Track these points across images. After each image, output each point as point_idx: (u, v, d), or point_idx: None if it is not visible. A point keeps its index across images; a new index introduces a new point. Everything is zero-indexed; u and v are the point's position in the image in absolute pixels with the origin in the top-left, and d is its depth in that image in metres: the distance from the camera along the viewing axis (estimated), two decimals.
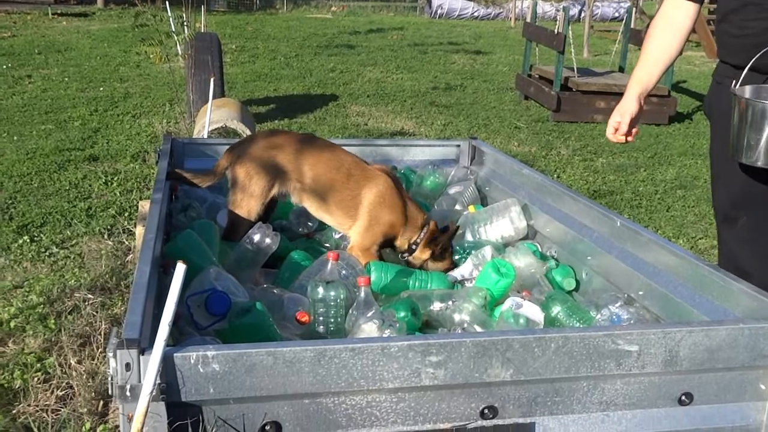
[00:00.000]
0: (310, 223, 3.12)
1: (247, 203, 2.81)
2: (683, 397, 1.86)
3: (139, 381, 1.51)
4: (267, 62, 11.42)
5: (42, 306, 3.32)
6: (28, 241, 4.16)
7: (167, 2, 9.84)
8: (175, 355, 1.55)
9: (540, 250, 2.99)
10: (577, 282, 2.80)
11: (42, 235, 4.27)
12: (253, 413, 1.64)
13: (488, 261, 2.71)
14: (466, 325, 2.33)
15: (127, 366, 1.51)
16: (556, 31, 8.62)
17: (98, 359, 2.84)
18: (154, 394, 1.50)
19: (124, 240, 4.18)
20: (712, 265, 2.22)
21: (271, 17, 18.54)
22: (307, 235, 3.13)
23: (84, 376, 2.70)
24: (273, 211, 2.97)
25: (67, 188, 5.16)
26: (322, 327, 2.27)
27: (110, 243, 4.15)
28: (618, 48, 10.16)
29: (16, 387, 2.70)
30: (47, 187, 5.17)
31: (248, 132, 5.21)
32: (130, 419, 1.50)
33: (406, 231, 2.83)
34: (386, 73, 11.05)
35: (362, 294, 2.29)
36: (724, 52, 2.52)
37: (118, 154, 6.06)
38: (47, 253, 4.03)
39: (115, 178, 5.40)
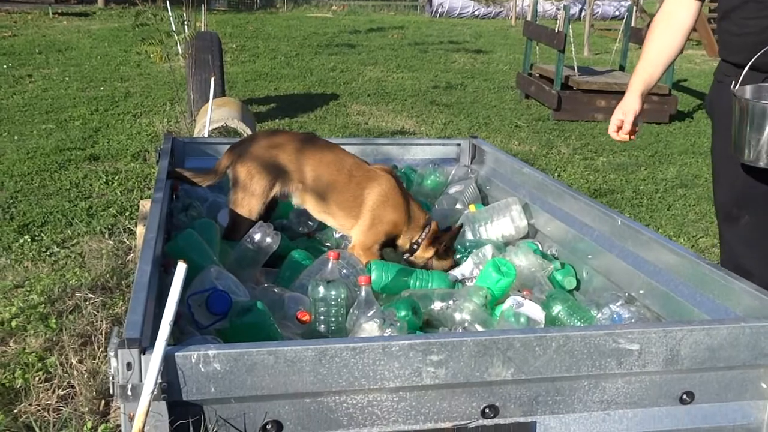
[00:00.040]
0: (310, 223, 3.11)
1: (248, 202, 2.81)
2: (684, 396, 1.86)
3: (141, 380, 1.51)
4: (267, 61, 11.42)
5: (43, 305, 3.32)
6: (29, 240, 4.16)
7: (168, 1, 9.84)
8: (176, 354, 1.55)
9: (541, 249, 2.99)
10: (578, 281, 2.80)
11: (43, 235, 4.28)
12: (254, 412, 1.64)
13: (489, 260, 2.71)
14: (467, 324, 2.33)
15: (129, 365, 1.51)
16: (556, 29, 8.61)
17: (99, 359, 2.84)
18: (155, 393, 1.50)
19: (125, 239, 4.18)
20: (713, 264, 2.22)
21: (272, 16, 18.53)
22: (308, 235, 3.13)
23: (85, 376, 2.70)
24: (274, 211, 2.97)
25: (68, 188, 5.16)
26: (322, 326, 2.27)
27: (111, 242, 4.15)
28: (618, 47, 10.16)
29: (18, 386, 2.71)
30: (48, 186, 5.17)
31: (249, 131, 5.21)
32: (131, 418, 1.50)
33: (408, 230, 2.83)
34: (387, 72, 11.05)
35: (363, 293, 2.29)
36: (725, 50, 2.52)
37: (118, 154, 6.06)
38: (48, 253, 4.03)
39: (116, 178, 5.40)
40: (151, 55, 10.58)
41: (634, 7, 10.53)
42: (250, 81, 9.76)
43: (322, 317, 2.27)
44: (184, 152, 3.55)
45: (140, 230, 3.51)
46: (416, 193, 3.44)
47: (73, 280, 3.61)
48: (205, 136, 4.67)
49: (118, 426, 2.46)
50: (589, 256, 2.74)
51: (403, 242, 2.85)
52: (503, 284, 2.54)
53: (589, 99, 8.36)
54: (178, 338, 1.95)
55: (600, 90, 8.33)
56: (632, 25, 9.65)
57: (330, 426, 1.69)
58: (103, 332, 3.02)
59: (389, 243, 2.86)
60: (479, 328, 2.31)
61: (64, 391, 2.68)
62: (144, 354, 1.52)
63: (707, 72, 11.82)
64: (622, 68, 9.59)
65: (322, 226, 3.09)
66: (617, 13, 20.49)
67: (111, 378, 1.54)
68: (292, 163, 2.82)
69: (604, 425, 1.83)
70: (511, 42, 15.19)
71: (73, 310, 3.29)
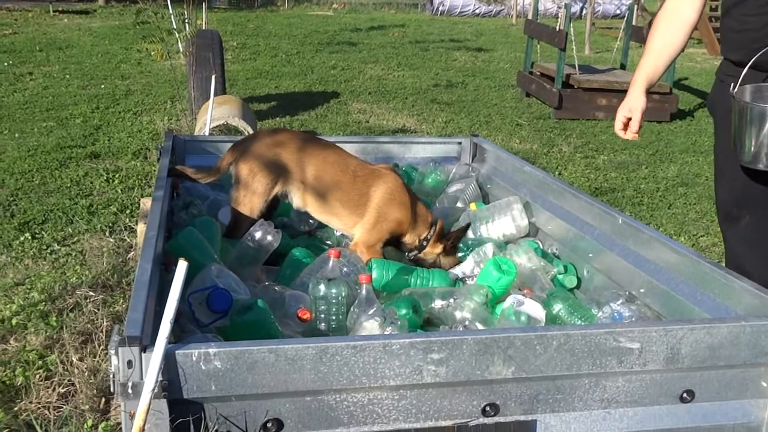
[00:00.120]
0: (311, 221, 3.11)
1: (250, 200, 2.81)
2: (685, 395, 1.86)
3: (141, 378, 1.51)
4: (268, 59, 11.41)
5: (43, 303, 3.32)
6: (29, 238, 4.16)
7: None
8: (176, 352, 1.55)
9: (541, 247, 2.99)
10: (579, 279, 2.80)
11: (43, 233, 4.28)
12: (255, 410, 1.64)
13: (490, 258, 2.71)
14: (467, 322, 2.33)
15: (129, 363, 1.51)
16: (557, 28, 8.60)
17: (100, 356, 2.84)
18: (155, 391, 1.50)
19: (126, 237, 4.18)
20: (714, 263, 2.22)
21: (273, 14, 18.51)
22: (309, 233, 3.13)
23: (86, 374, 2.70)
24: (275, 209, 2.97)
25: (69, 185, 5.16)
26: (323, 324, 2.27)
27: (112, 240, 4.15)
28: (619, 45, 10.15)
29: (18, 384, 2.71)
30: (49, 184, 5.17)
31: (249, 129, 5.21)
32: (132, 416, 1.50)
33: (415, 228, 2.84)
34: (387, 70, 11.04)
35: (364, 291, 2.29)
36: (726, 48, 2.51)
37: (119, 152, 6.06)
38: (49, 251, 4.03)
39: (117, 176, 5.40)
40: (152, 53, 10.57)
41: (635, 6, 10.52)
42: (251, 79, 9.75)
43: (322, 315, 2.28)
44: (185, 150, 3.56)
45: (141, 228, 3.52)
46: (417, 191, 3.43)
47: (74, 278, 3.61)
48: (206, 134, 4.67)
49: (119, 424, 2.46)
50: (590, 255, 2.74)
51: (411, 240, 2.86)
52: (504, 283, 2.54)
53: (590, 97, 8.35)
54: (179, 336, 1.95)
55: (601, 88, 8.32)
56: (633, 23, 9.64)
57: (331, 424, 1.69)
58: (104, 330, 3.02)
59: (392, 241, 2.86)
60: (480, 326, 2.31)
61: (65, 389, 2.68)
62: (145, 352, 1.52)
63: (708, 70, 11.82)
64: (623, 67, 9.58)
65: (323, 225, 3.09)
66: (618, 11, 20.46)
67: (111, 376, 1.54)
68: (294, 162, 2.82)
69: (604, 424, 1.83)
70: (512, 40, 15.17)
71: (73, 307, 3.29)
